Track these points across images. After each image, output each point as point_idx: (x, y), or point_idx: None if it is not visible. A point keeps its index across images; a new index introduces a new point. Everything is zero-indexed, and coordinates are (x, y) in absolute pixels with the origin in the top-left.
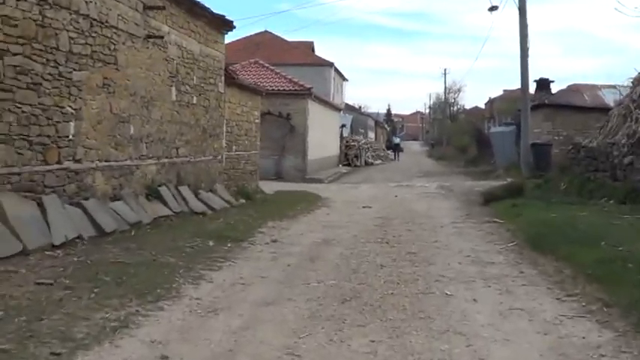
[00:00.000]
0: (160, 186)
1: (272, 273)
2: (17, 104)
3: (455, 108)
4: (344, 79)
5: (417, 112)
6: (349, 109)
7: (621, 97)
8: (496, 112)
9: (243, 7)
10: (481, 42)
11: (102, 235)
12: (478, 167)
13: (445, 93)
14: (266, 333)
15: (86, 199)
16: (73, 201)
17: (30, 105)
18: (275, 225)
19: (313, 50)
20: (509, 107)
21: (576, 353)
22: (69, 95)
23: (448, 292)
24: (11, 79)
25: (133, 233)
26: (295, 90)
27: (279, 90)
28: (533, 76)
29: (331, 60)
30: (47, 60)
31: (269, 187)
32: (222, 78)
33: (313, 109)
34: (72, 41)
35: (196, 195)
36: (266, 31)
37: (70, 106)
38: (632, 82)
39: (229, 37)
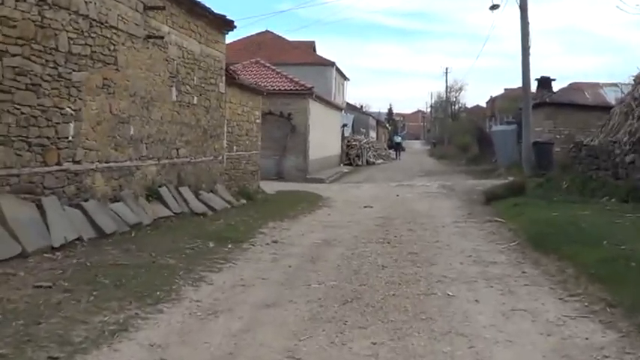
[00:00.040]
0: (160, 187)
1: (272, 274)
2: (16, 105)
3: (456, 107)
4: (345, 78)
5: (419, 111)
6: (350, 108)
7: (623, 95)
8: (497, 110)
9: (243, 7)
10: (482, 41)
11: (102, 237)
12: (479, 166)
13: (446, 92)
14: (266, 335)
15: (86, 200)
16: (72, 202)
17: (29, 106)
18: (276, 225)
19: (314, 50)
20: (511, 106)
21: (580, 355)
22: (68, 96)
23: (450, 293)
24: (10, 80)
25: (133, 235)
26: (296, 90)
27: (280, 90)
28: (535, 74)
29: (332, 59)
30: (46, 61)
31: (270, 187)
32: (223, 78)
33: (314, 108)
34: (71, 42)
35: (197, 196)
36: (267, 31)
37: (69, 107)
38: (633, 80)
39: (230, 37)
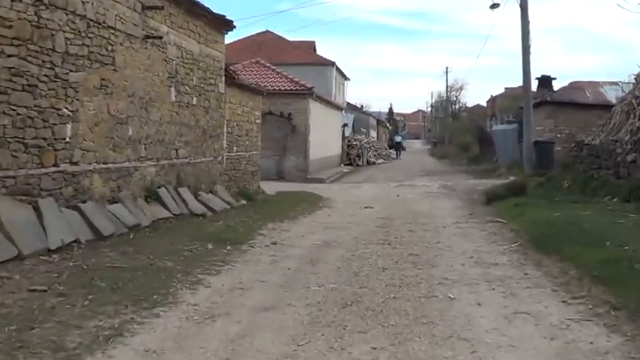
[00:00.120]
0: (159, 188)
1: (271, 277)
2: (12, 106)
3: (457, 106)
4: (345, 78)
5: (419, 111)
6: (351, 108)
7: (623, 93)
8: (498, 110)
9: (243, 7)
10: (482, 40)
11: (99, 239)
12: (480, 166)
13: (447, 91)
14: (264, 340)
15: (83, 202)
16: (70, 204)
17: (25, 107)
18: (275, 227)
19: (315, 50)
20: (511, 105)
21: (584, 359)
22: (65, 97)
23: (451, 296)
24: (6, 81)
25: (131, 236)
26: (296, 90)
27: (280, 90)
28: (535, 73)
29: (333, 59)
30: (43, 61)
31: (270, 187)
32: (223, 78)
33: (315, 108)
34: (68, 42)
35: (196, 196)
36: (267, 31)
37: (66, 108)
38: (634, 79)
39: (230, 37)
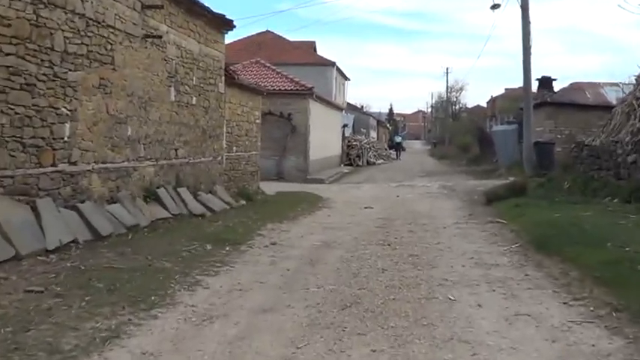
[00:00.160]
0: (158, 188)
1: (270, 278)
2: (10, 106)
3: (457, 107)
4: (346, 78)
5: (419, 111)
6: (351, 108)
7: (624, 94)
8: (498, 110)
9: (243, 7)
10: (482, 41)
11: (98, 239)
12: (480, 166)
13: (447, 92)
14: (263, 343)
15: (82, 202)
16: (68, 204)
17: (23, 106)
18: (275, 227)
19: (315, 50)
20: (511, 106)
21: None
22: (64, 96)
23: (452, 297)
24: (4, 79)
25: (129, 237)
26: (297, 90)
27: (280, 90)
28: (536, 74)
29: (333, 59)
30: (42, 60)
31: (270, 187)
32: (223, 78)
33: (315, 108)
34: (67, 41)
35: (195, 197)
36: (267, 31)
37: (65, 107)
38: (635, 80)
39: (230, 37)
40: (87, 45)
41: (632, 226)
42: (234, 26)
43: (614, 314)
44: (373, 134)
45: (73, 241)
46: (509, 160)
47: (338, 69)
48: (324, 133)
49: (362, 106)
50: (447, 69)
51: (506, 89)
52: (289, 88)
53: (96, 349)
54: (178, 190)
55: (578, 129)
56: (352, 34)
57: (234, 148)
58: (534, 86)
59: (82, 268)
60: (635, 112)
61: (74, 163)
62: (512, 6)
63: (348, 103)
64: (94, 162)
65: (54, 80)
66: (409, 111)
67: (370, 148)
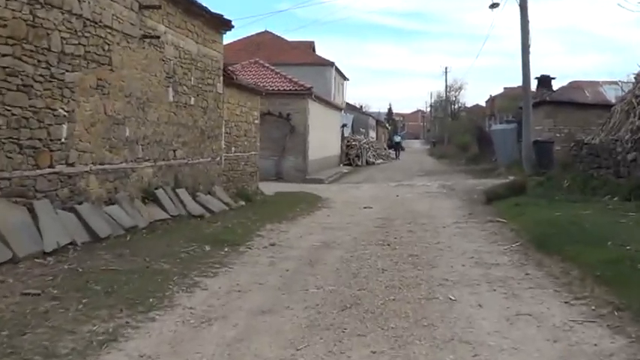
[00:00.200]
0: (156, 189)
1: (269, 279)
2: (7, 107)
3: (456, 106)
4: (345, 78)
5: (418, 111)
6: (350, 108)
7: (623, 93)
8: (497, 109)
9: (242, 7)
10: (481, 40)
11: (96, 241)
12: (479, 165)
13: (446, 91)
14: (262, 345)
15: (80, 203)
16: (66, 206)
17: (20, 107)
18: (274, 228)
19: (314, 50)
20: (510, 105)
21: None
22: (61, 97)
23: (452, 297)
24: (0, 80)
25: (128, 238)
26: (295, 90)
27: (279, 90)
28: (535, 73)
29: (332, 59)
30: (38, 61)
31: (269, 188)
32: (221, 78)
33: (314, 108)
34: (64, 41)
35: (194, 197)
36: (266, 31)
37: (62, 108)
38: (634, 78)
39: (229, 38)
40: (84, 45)
41: (632, 225)
42: (233, 26)
43: (615, 313)
44: (372, 134)
45: (70, 243)
46: (508, 159)
47: (337, 69)
48: (323, 133)
49: (361, 106)
50: (446, 68)
51: (505, 88)
52: (288, 88)
53: (93, 353)
54: (177, 191)
55: (578, 128)
56: (351, 34)
57: (233, 148)
58: (533, 85)
59: (80, 270)
60: (635, 110)
61: (72, 165)
62: (510, 5)
63: (347, 103)
64: (92, 163)
65: (51, 81)
66: (408, 111)
67: (369, 147)
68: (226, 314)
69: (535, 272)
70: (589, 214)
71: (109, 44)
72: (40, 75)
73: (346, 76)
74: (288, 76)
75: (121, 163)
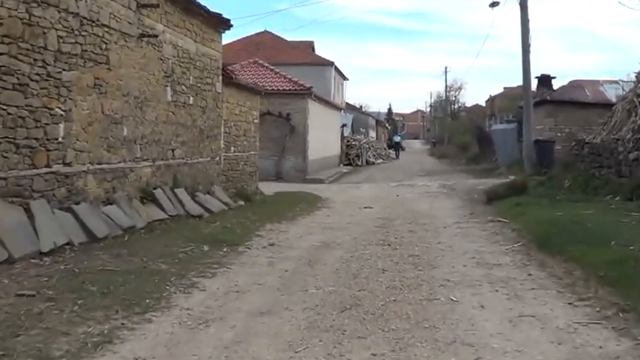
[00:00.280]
0: (155, 189)
1: (268, 279)
2: (2, 106)
3: (456, 106)
4: (344, 78)
5: (418, 111)
6: (350, 108)
7: (623, 92)
8: (497, 109)
9: (240, 6)
10: (481, 40)
11: (93, 241)
12: (479, 165)
13: (446, 91)
14: (260, 347)
15: (77, 203)
16: (63, 206)
17: (16, 106)
18: (273, 227)
19: (313, 50)
20: (510, 105)
21: None
22: (58, 96)
23: (454, 298)
24: None
25: (126, 238)
26: (295, 89)
27: (278, 90)
28: (535, 73)
29: (331, 59)
30: (34, 60)
31: (269, 188)
32: (220, 78)
33: (313, 108)
34: (61, 40)
35: (193, 197)
36: (266, 31)
37: (59, 108)
38: (636, 77)
39: (228, 38)
40: (81, 44)
41: (635, 224)
42: (232, 25)
43: (620, 315)
44: (372, 134)
45: (67, 244)
46: (508, 159)
47: (336, 69)
48: (323, 133)
49: (361, 106)
50: (446, 68)
51: (505, 88)
52: (288, 88)
53: (87, 355)
54: (175, 190)
55: (578, 127)
56: (351, 34)
57: (233, 148)
58: (534, 84)
59: (76, 270)
60: (637, 109)
61: (69, 164)
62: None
63: (347, 103)
64: (90, 163)
65: (47, 80)
66: (408, 111)
67: (369, 147)
68: (224, 315)
69: (537, 273)
70: (591, 213)
71: (106, 43)
72: (37, 74)
73: (346, 75)
74: (287, 75)
75: (119, 162)
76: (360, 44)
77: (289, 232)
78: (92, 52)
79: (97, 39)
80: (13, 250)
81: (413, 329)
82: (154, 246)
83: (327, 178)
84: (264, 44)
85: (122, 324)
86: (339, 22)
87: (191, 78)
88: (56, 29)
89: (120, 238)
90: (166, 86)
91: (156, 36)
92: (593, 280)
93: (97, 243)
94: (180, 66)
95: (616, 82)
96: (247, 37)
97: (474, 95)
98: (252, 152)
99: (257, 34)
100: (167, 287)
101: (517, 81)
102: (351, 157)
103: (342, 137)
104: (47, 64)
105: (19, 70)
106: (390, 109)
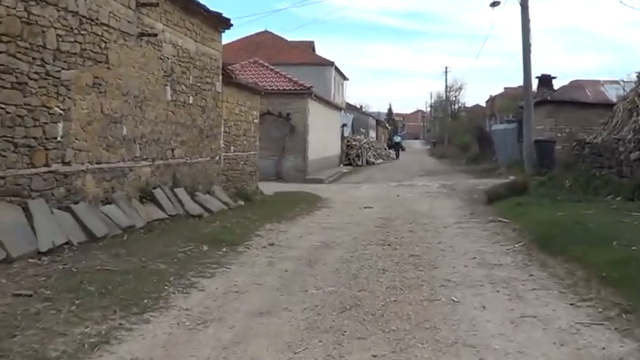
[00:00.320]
0: (154, 188)
1: (268, 279)
2: (1, 105)
3: (456, 106)
4: (345, 78)
5: (418, 111)
6: (350, 108)
7: (624, 92)
8: (497, 109)
9: (240, 6)
10: (481, 41)
11: (92, 241)
12: (480, 165)
13: (446, 91)
14: (259, 348)
15: (76, 202)
16: (62, 205)
17: (15, 105)
18: (273, 227)
19: (314, 50)
20: (511, 105)
21: None
22: (57, 95)
23: (455, 299)
24: None
25: (125, 238)
26: (295, 89)
27: (278, 89)
28: (535, 73)
29: (332, 59)
30: (33, 58)
31: (269, 188)
32: (220, 77)
33: (314, 108)
34: (60, 39)
35: (193, 197)
36: (266, 31)
37: (58, 107)
38: (637, 77)
39: (229, 37)
40: (80, 43)
41: (637, 225)
42: (232, 25)
43: (623, 316)
44: (372, 134)
45: (66, 243)
46: (508, 159)
47: (337, 69)
48: (323, 133)
49: (361, 106)
50: (446, 68)
51: (505, 88)
52: (288, 88)
53: (84, 356)
54: (175, 190)
55: (579, 127)
56: (351, 34)
57: (232, 148)
58: (534, 84)
59: (74, 270)
60: (638, 109)
61: (68, 164)
62: (511, 4)
63: (347, 103)
64: (89, 162)
65: (46, 79)
66: (408, 111)
67: (369, 147)
68: (223, 316)
69: (539, 273)
70: (592, 213)
71: (105, 42)
72: (35, 72)
73: (346, 76)
74: (287, 75)
75: (118, 162)
76: (360, 44)
77: (289, 232)
78: (91, 51)
79: (96, 38)
80: (11, 250)
81: (414, 330)
82: (152, 246)
83: (327, 178)
84: (264, 44)
85: (120, 324)
86: (339, 22)
87: (191, 77)
88: (55, 28)
89: (119, 237)
90: (166, 85)
91: (155, 35)
92: (595, 281)
93: (95, 243)
94: (179, 65)
95: (617, 82)
96: (247, 36)
97: (474, 95)
98: (252, 152)
99: (257, 34)
100: (166, 287)
101: (517, 81)
102: (351, 157)
103: (342, 137)
104: (46, 63)
105: (17, 68)
106: (390, 109)
